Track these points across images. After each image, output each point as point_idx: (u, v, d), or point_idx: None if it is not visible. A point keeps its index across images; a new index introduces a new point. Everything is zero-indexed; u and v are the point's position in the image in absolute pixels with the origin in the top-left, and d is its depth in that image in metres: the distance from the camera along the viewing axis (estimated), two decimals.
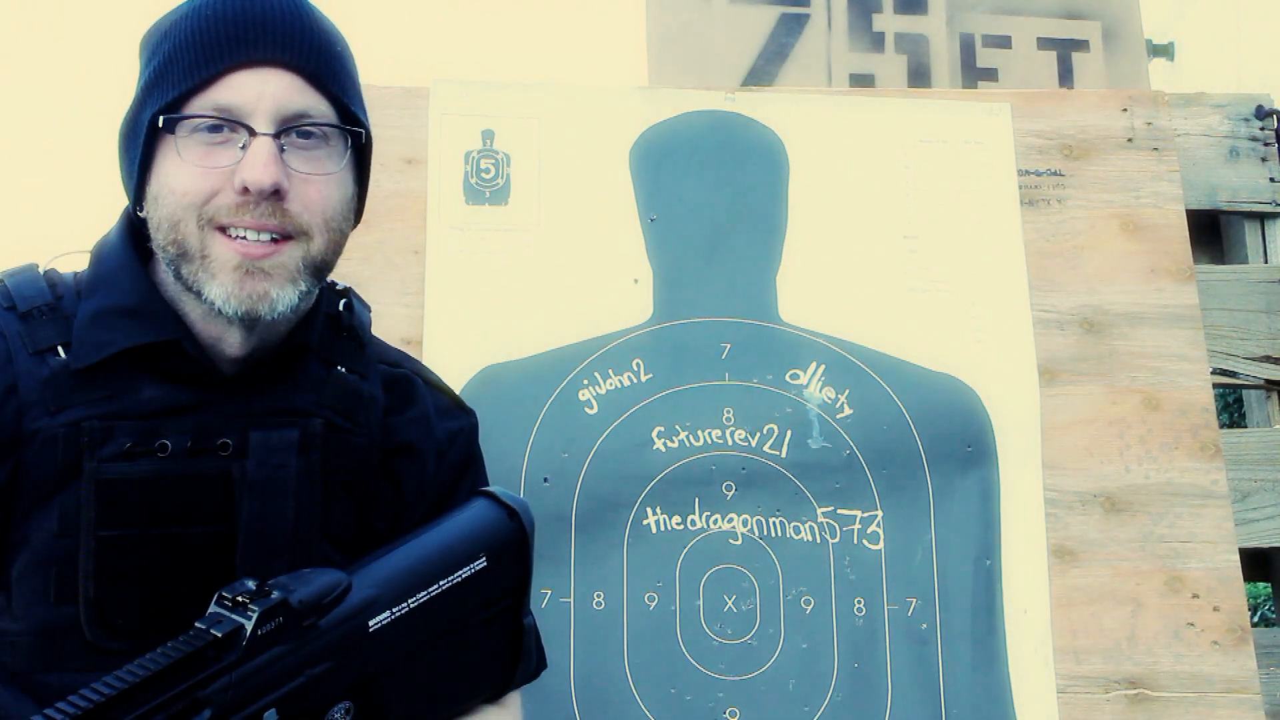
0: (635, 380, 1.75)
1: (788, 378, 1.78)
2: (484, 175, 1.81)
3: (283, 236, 0.97)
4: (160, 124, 0.96)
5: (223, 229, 0.96)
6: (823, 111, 1.90)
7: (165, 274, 1.02)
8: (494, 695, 1.10)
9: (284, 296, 0.98)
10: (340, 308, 1.11)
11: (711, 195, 1.84)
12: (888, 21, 2.28)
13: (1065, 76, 2.28)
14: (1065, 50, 2.29)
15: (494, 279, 1.77)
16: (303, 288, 1.00)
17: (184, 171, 0.95)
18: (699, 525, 1.71)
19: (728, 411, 1.75)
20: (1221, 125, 2.09)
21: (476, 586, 1.02)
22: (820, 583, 1.70)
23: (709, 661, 1.67)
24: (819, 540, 1.72)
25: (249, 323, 0.99)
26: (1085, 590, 1.73)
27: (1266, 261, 2.05)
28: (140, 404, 0.99)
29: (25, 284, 1.02)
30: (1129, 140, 1.94)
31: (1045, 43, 2.30)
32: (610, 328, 1.77)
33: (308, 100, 0.99)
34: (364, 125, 1.04)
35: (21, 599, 0.97)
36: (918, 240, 1.85)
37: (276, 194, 0.95)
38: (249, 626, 0.86)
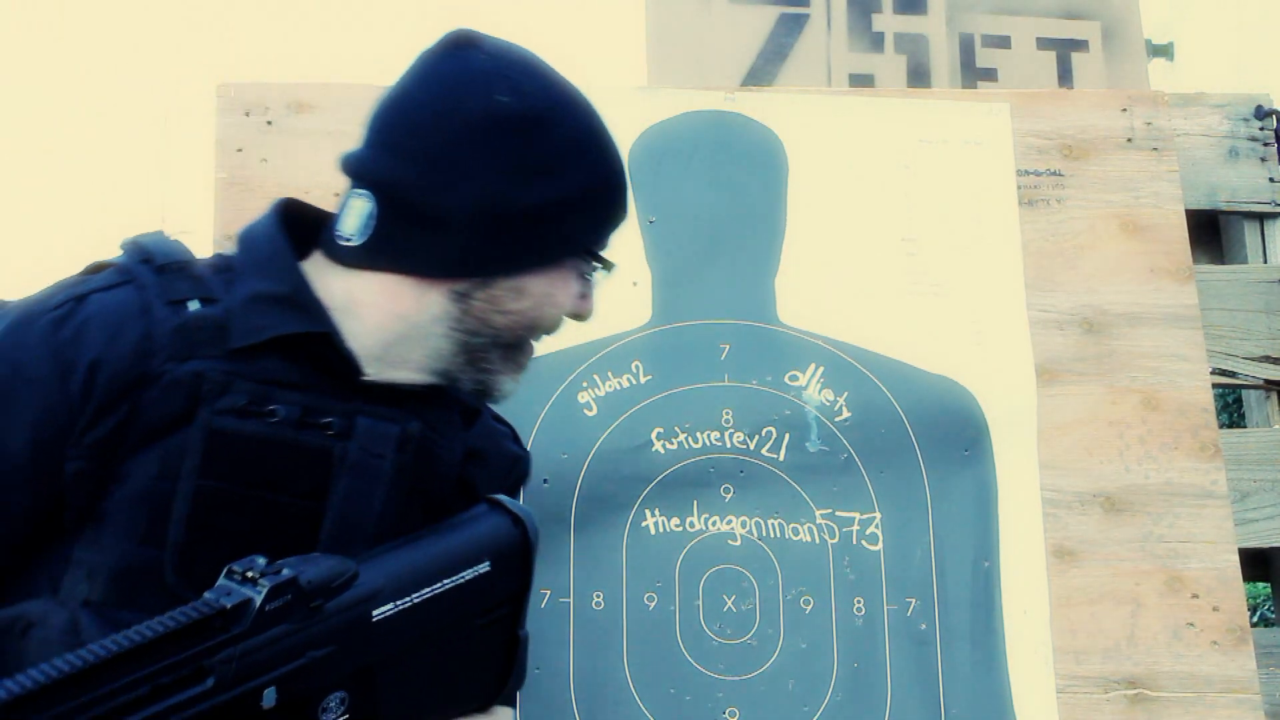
0: (634, 382, 1.75)
1: (787, 379, 1.78)
2: None
3: None
4: (581, 252, 1.12)
5: None
6: (822, 112, 1.90)
7: (335, 277, 1.07)
8: (484, 704, 1.11)
9: None
10: None
11: (710, 196, 1.84)
12: (887, 21, 2.28)
13: (1065, 76, 2.27)
14: (1065, 50, 2.29)
15: None
16: None
17: (569, 292, 1.12)
18: (698, 527, 1.71)
19: (727, 413, 1.75)
20: (1221, 125, 2.08)
21: (478, 590, 1.03)
22: (819, 583, 1.70)
23: (708, 662, 1.67)
24: (818, 541, 1.72)
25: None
26: (1085, 590, 1.73)
27: (1266, 261, 2.05)
28: (257, 369, 1.03)
29: (160, 243, 1.09)
30: (1128, 140, 1.94)
31: (1045, 43, 2.29)
32: (609, 330, 1.76)
33: None
34: None
35: (111, 533, 0.99)
36: (917, 242, 1.85)
37: None
38: (257, 600, 0.86)
